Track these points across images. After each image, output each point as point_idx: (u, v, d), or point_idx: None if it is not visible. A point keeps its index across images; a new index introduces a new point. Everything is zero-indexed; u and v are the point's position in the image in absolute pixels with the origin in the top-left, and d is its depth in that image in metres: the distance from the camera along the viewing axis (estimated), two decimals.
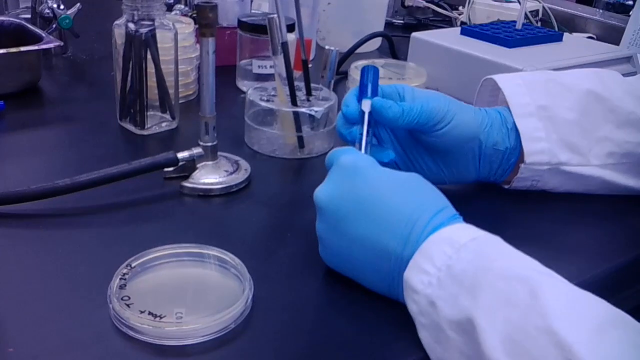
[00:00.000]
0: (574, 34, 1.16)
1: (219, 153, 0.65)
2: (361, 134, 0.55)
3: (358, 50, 0.97)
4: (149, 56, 0.70)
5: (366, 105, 0.57)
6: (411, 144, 0.60)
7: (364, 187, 0.47)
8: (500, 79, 0.63)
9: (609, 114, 0.61)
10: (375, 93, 0.58)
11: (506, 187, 0.65)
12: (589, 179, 0.62)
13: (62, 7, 0.96)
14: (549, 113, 0.61)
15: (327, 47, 0.73)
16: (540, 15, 1.19)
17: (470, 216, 0.47)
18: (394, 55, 1.03)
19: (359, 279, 0.49)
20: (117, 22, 0.71)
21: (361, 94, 0.58)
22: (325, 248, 0.50)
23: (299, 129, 0.71)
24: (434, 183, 0.50)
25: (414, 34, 0.94)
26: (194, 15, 0.95)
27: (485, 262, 0.41)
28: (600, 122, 0.61)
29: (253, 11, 1.01)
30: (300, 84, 0.74)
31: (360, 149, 0.54)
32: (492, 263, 0.41)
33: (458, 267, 0.41)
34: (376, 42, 1.12)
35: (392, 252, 0.45)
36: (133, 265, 0.48)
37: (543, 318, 0.35)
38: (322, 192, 0.49)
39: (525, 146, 0.60)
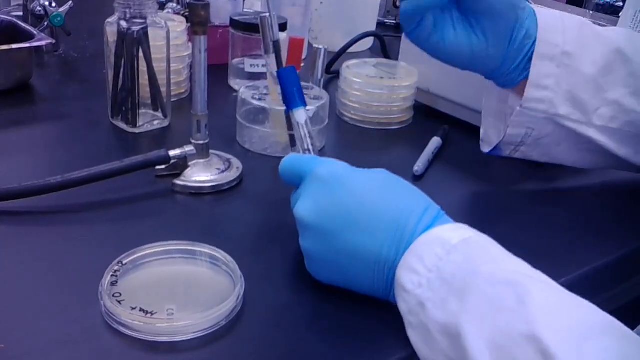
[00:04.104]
0: None
1: (210, 151, 0.65)
2: (305, 148, 0.53)
3: (350, 50, 0.97)
4: (141, 54, 0.71)
5: (301, 115, 0.53)
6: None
7: (347, 198, 0.46)
8: (539, 10, 0.61)
9: (629, 78, 0.60)
10: (302, 97, 0.55)
11: (489, 151, 0.65)
12: (582, 138, 0.62)
13: (53, 4, 0.96)
14: (570, 62, 0.60)
15: (315, 45, 0.73)
16: None
17: (461, 211, 0.48)
18: (386, 55, 1.03)
19: (351, 287, 0.48)
20: (109, 20, 0.71)
21: (289, 104, 0.54)
22: (313, 264, 0.49)
23: (290, 127, 0.71)
24: (456, 58, 0.56)
25: None
26: (186, 13, 0.95)
27: (474, 266, 0.41)
28: (618, 84, 0.60)
29: (245, 10, 1.02)
30: None
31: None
32: (480, 267, 0.40)
33: (448, 270, 0.41)
34: (368, 42, 1.12)
35: (384, 260, 0.45)
36: (124, 262, 0.48)
37: (528, 325, 0.35)
38: (304, 209, 0.48)
39: (527, 91, 0.60)
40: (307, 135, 0.54)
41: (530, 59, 0.59)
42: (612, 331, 0.36)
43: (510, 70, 0.61)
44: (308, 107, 0.71)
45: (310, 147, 0.55)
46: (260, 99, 0.72)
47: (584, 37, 0.60)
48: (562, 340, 0.34)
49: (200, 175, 0.63)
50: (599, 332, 0.35)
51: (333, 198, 0.47)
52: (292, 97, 0.54)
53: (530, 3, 0.61)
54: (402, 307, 0.44)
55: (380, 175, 0.48)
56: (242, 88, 0.74)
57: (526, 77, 0.60)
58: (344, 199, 0.46)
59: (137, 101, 0.72)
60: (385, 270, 0.45)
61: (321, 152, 0.73)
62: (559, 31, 0.59)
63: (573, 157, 0.65)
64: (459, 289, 0.40)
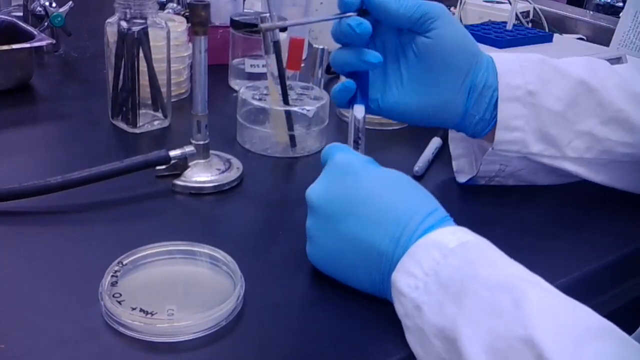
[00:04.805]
0: (564, 35, 1.17)
1: (211, 151, 0.65)
2: (355, 142, 0.55)
3: None
4: (141, 54, 0.71)
5: (359, 110, 0.55)
6: (400, 56, 0.58)
7: (356, 186, 0.47)
8: (496, 56, 0.61)
9: (597, 108, 0.60)
10: (366, 96, 0.57)
11: (464, 182, 0.65)
12: (558, 169, 0.62)
13: (54, 5, 0.96)
14: (535, 100, 0.59)
15: (315, 45, 0.73)
16: (531, 16, 1.20)
17: (461, 212, 0.48)
18: None
19: (347, 279, 0.49)
20: (109, 20, 0.71)
21: (353, 98, 0.56)
22: (314, 247, 0.50)
23: (290, 127, 0.71)
24: (415, 118, 0.56)
25: None
26: (187, 13, 0.95)
27: (471, 270, 0.41)
28: (587, 115, 0.60)
29: (245, 10, 1.02)
30: (292, 83, 0.74)
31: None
32: (478, 270, 0.40)
33: (445, 274, 0.41)
34: None
35: (383, 252, 0.45)
36: (125, 262, 0.48)
37: (525, 328, 0.35)
38: (314, 191, 0.49)
39: (497, 134, 0.59)
40: (357, 129, 0.56)
41: (495, 107, 0.59)
42: (609, 336, 0.36)
43: (475, 121, 0.60)
44: (308, 108, 0.71)
45: (359, 140, 0.56)
46: (260, 99, 0.72)
47: (544, 74, 0.60)
48: (559, 344, 0.34)
49: (201, 175, 0.63)
50: (596, 336, 0.35)
51: (342, 184, 0.48)
52: (357, 92, 0.57)
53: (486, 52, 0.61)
54: (399, 310, 0.44)
55: (395, 174, 0.49)
56: (242, 88, 0.74)
57: (493, 127, 0.60)
58: (352, 187, 0.47)
59: (137, 101, 0.72)
60: (381, 261, 0.45)
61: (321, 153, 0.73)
62: (517, 72, 0.59)
63: (550, 181, 0.66)
64: (456, 293, 0.40)
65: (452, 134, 0.67)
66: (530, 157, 0.61)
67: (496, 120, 0.59)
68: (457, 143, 0.67)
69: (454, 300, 0.39)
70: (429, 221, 0.45)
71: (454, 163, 0.68)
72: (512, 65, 0.60)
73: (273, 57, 0.69)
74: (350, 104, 0.57)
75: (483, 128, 0.60)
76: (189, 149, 0.63)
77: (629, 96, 0.60)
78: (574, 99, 0.60)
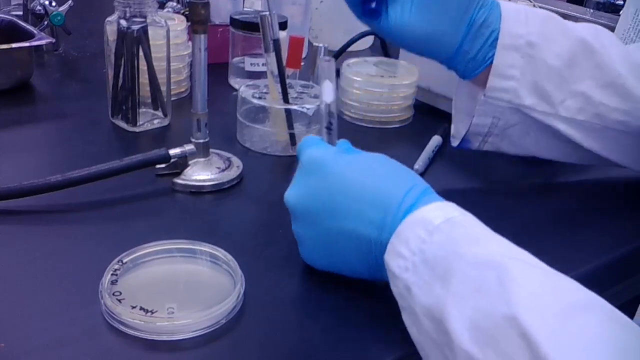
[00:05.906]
0: None
1: (211, 150, 0.65)
2: (327, 127, 0.53)
3: (350, 49, 0.97)
4: (141, 53, 0.70)
5: (328, 95, 0.53)
6: None
7: (329, 181, 0.47)
8: (504, 3, 0.60)
9: (595, 71, 0.60)
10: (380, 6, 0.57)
11: (458, 145, 0.64)
12: (550, 129, 0.61)
13: (53, 4, 0.96)
14: (535, 52, 0.59)
15: (315, 44, 0.73)
16: None
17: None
18: (386, 54, 1.03)
19: (344, 271, 0.49)
20: (109, 18, 0.71)
21: (368, 2, 0.57)
22: (305, 248, 0.50)
23: (290, 126, 0.71)
24: (412, 43, 0.57)
25: None
26: (187, 12, 0.95)
27: (456, 247, 0.41)
28: (584, 76, 0.60)
29: (245, 9, 1.02)
30: (292, 81, 0.74)
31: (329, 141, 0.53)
32: (463, 248, 0.40)
33: (431, 252, 0.41)
34: (368, 41, 1.12)
35: (370, 239, 0.45)
36: (124, 261, 0.48)
37: (509, 306, 0.35)
38: (290, 195, 0.49)
39: (490, 80, 0.59)
40: (328, 115, 0.54)
41: (490, 48, 0.59)
42: (594, 309, 0.36)
43: (468, 59, 0.60)
44: (308, 106, 0.71)
45: (330, 125, 0.54)
46: (260, 98, 0.72)
47: (548, 29, 0.60)
48: (542, 320, 0.34)
49: (201, 174, 0.63)
50: (581, 310, 0.35)
51: (315, 182, 0.48)
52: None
53: None
54: (394, 291, 0.44)
55: (365, 158, 0.49)
56: (242, 87, 0.74)
57: (487, 68, 0.59)
58: (326, 182, 0.47)
59: (137, 100, 0.72)
60: (371, 247, 0.45)
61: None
62: (522, 22, 0.59)
63: (543, 147, 0.65)
64: (443, 272, 0.40)
65: (456, 98, 0.67)
66: (522, 109, 0.60)
67: (488, 63, 0.59)
68: (460, 106, 0.67)
69: (441, 279, 0.39)
70: (410, 198, 0.45)
71: (452, 127, 0.68)
72: (517, 15, 0.59)
73: (273, 55, 0.69)
74: (363, 7, 0.57)
75: (474, 68, 0.60)
76: (188, 147, 0.62)
77: (629, 64, 0.60)
78: (574, 58, 0.59)
